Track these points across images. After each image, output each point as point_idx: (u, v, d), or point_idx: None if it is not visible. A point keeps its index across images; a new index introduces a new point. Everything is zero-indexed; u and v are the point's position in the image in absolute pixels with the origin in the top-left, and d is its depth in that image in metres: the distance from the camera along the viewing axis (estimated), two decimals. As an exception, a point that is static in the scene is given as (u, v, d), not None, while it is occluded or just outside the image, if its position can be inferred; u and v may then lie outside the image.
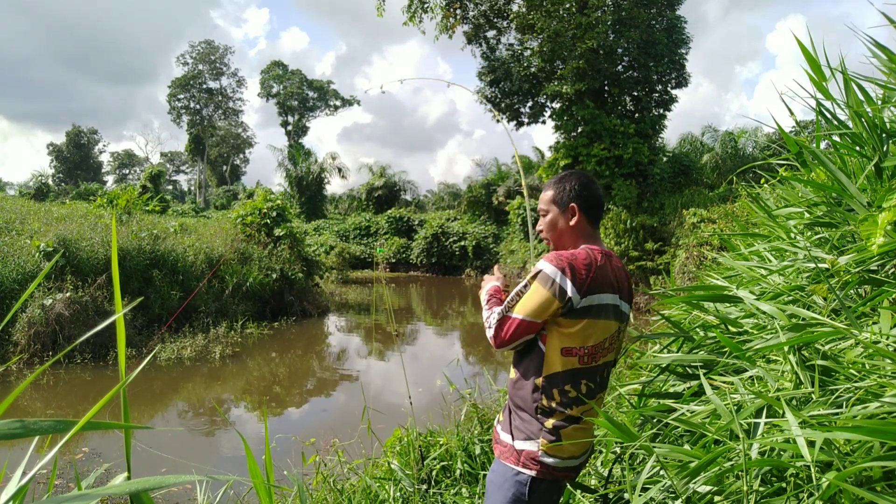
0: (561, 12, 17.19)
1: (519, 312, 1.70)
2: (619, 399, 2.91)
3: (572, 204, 1.84)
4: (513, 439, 1.76)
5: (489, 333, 1.76)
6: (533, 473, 1.69)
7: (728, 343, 1.59)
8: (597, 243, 1.83)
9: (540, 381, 1.73)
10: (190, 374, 9.23)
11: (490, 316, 1.79)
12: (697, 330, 2.08)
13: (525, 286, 1.71)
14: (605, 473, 2.17)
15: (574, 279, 1.67)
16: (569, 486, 1.61)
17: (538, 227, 1.95)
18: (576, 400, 1.72)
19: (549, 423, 1.71)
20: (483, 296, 1.94)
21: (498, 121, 19.33)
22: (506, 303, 1.74)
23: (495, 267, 2.15)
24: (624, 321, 1.83)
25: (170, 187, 65.52)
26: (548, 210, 1.89)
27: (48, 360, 8.08)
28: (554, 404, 1.71)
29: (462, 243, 27.00)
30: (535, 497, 1.69)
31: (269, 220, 15.27)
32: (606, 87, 18.29)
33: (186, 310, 11.65)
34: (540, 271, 1.70)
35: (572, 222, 1.84)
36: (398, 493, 2.96)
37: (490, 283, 1.99)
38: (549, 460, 1.69)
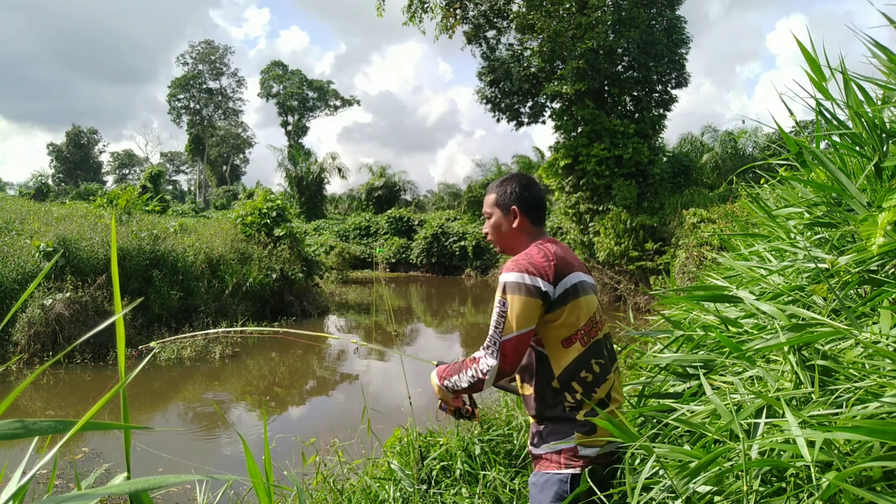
0: (561, 12, 17.18)
1: (512, 330, 1.68)
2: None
3: (513, 206, 1.87)
4: (550, 446, 1.75)
5: (492, 372, 1.69)
6: (577, 471, 1.69)
7: (728, 343, 1.59)
8: (542, 237, 1.87)
9: (556, 382, 1.74)
10: (190, 374, 9.23)
11: (474, 364, 1.73)
12: (697, 330, 2.08)
13: (503, 304, 1.70)
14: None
15: (540, 275, 1.70)
16: (591, 484, 1.59)
17: (483, 230, 1.99)
18: (595, 382, 1.74)
19: (581, 415, 1.72)
20: (435, 381, 1.89)
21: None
22: (493, 330, 1.71)
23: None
24: (596, 293, 1.88)
25: (170, 187, 65.54)
26: (491, 213, 1.93)
27: (48, 360, 8.08)
28: (579, 396, 1.72)
29: (462, 243, 26.99)
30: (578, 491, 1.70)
31: (269, 220, 15.28)
32: (606, 87, 18.28)
33: (186, 310, 11.66)
34: (506, 283, 1.71)
35: (515, 224, 1.88)
36: (398, 494, 2.96)
37: (433, 372, 1.95)
38: (589, 451, 1.70)
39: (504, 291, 1.71)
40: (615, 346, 2.64)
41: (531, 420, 1.87)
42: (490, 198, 1.94)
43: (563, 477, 1.71)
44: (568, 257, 1.81)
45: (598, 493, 1.52)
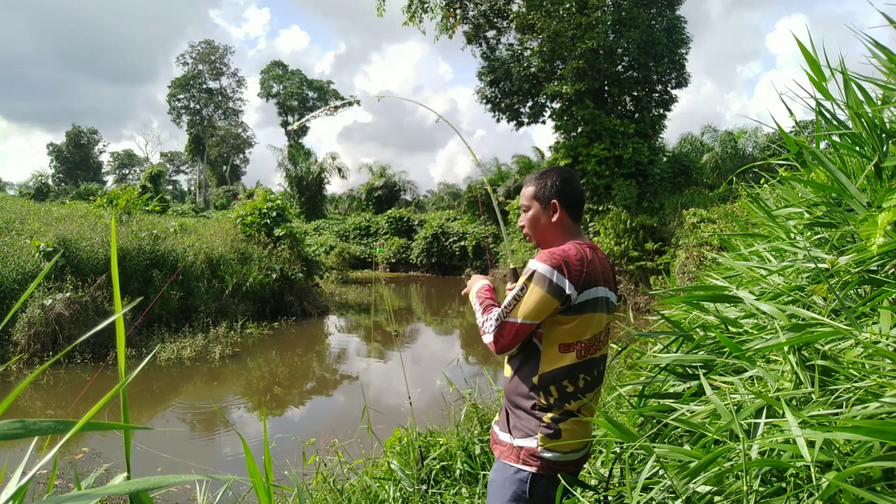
0: (561, 12, 17.18)
1: (518, 316, 1.68)
2: (618, 399, 2.91)
3: (553, 200, 1.83)
4: (512, 437, 1.76)
5: (488, 339, 1.75)
6: (533, 470, 1.70)
7: (728, 343, 1.59)
8: (580, 237, 1.84)
9: (537, 378, 1.73)
10: (190, 375, 9.23)
11: (486, 321, 1.78)
12: (697, 330, 2.08)
13: (522, 289, 1.69)
14: (605, 473, 2.17)
15: (570, 276, 1.67)
16: (565, 484, 1.60)
17: (519, 223, 1.94)
18: (573, 395, 1.73)
19: (547, 417, 1.71)
20: (473, 297, 1.91)
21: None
22: (503, 307, 1.73)
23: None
24: (612, 312, 1.86)
25: (170, 187, 65.53)
26: (529, 206, 1.89)
27: (48, 360, 8.09)
28: (552, 400, 1.72)
29: (462, 243, 27.00)
30: (536, 494, 1.69)
31: (269, 220, 15.28)
32: (606, 87, 18.29)
33: (186, 310, 11.64)
34: (534, 271, 1.68)
35: (554, 218, 1.84)
36: (398, 493, 2.96)
37: (478, 282, 1.97)
38: (549, 455, 1.70)
39: (529, 278, 1.69)
40: (615, 345, 2.65)
41: (503, 398, 1.87)
42: (528, 190, 1.89)
43: (522, 476, 1.71)
44: (598, 268, 1.78)
45: (580, 497, 1.52)
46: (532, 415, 1.73)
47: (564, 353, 1.72)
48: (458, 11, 19.22)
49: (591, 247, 1.80)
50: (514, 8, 18.75)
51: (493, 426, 1.90)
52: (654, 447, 1.40)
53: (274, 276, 13.90)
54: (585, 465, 2.29)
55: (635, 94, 18.61)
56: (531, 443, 1.71)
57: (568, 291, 1.66)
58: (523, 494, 1.69)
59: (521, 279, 1.71)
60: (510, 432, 1.77)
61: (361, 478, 3.21)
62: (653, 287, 14.14)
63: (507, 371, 1.84)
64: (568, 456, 1.72)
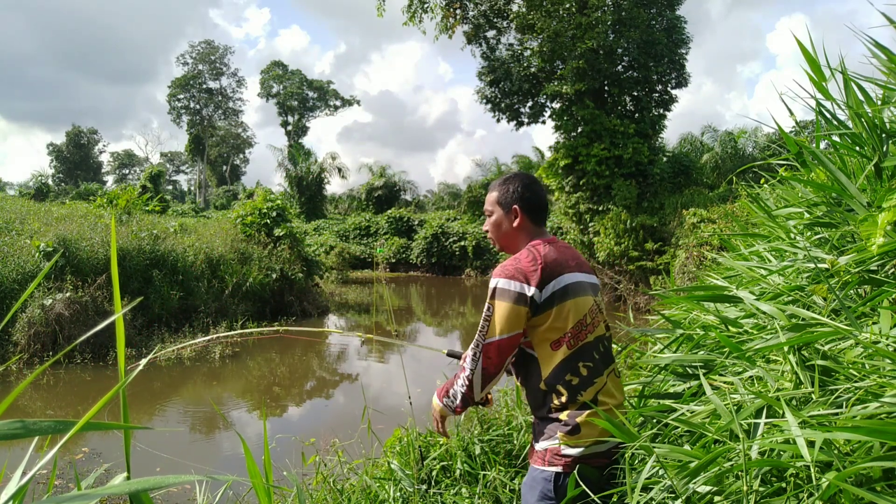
0: (561, 12, 17.18)
1: (496, 334, 1.73)
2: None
3: (515, 205, 1.89)
4: (540, 443, 1.80)
5: (478, 376, 1.77)
6: (558, 469, 1.71)
7: (728, 343, 1.59)
8: (540, 237, 1.88)
9: (543, 383, 1.77)
10: (190, 374, 9.23)
11: (467, 367, 1.80)
12: (697, 330, 2.08)
13: (489, 308, 1.75)
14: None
15: (527, 280, 1.72)
16: (577, 478, 1.61)
17: (484, 227, 2.01)
18: (581, 386, 1.75)
19: (564, 415, 1.74)
20: (437, 399, 1.95)
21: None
22: (479, 333, 1.78)
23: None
24: (595, 293, 1.88)
25: (170, 187, 65.54)
26: (493, 211, 1.95)
27: (48, 360, 8.08)
28: (563, 399, 1.74)
29: (462, 243, 27.00)
30: (560, 492, 1.70)
31: (269, 220, 15.28)
32: (606, 87, 18.27)
33: (186, 310, 11.65)
34: (495, 288, 1.75)
35: (515, 223, 1.90)
36: (398, 493, 2.96)
37: (435, 399, 1.99)
38: (572, 451, 1.71)
39: (491, 296, 1.75)
40: (615, 346, 2.64)
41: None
42: (492, 196, 1.95)
43: (547, 475, 1.73)
44: (561, 258, 1.81)
45: (592, 495, 1.52)
46: (550, 418, 1.77)
47: (556, 349, 1.75)
48: (458, 11, 19.21)
49: (548, 241, 1.85)
50: (514, 8, 18.73)
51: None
52: (654, 447, 1.40)
53: (274, 276, 13.91)
54: None
55: (635, 94, 18.59)
56: (554, 442, 1.74)
57: (529, 294, 1.71)
58: (549, 493, 1.71)
59: (487, 300, 1.77)
60: (538, 440, 1.82)
61: (361, 478, 3.21)
62: (653, 287, 14.14)
63: (523, 388, 1.90)
64: (593, 448, 1.72)
